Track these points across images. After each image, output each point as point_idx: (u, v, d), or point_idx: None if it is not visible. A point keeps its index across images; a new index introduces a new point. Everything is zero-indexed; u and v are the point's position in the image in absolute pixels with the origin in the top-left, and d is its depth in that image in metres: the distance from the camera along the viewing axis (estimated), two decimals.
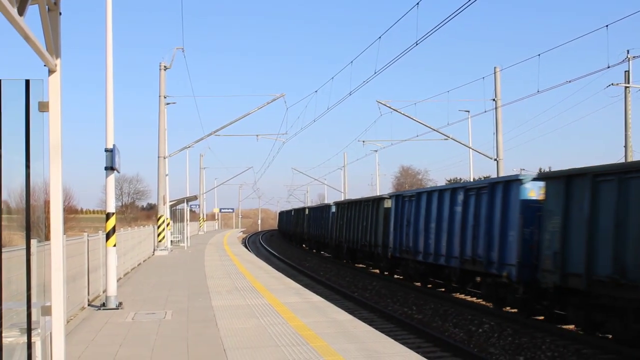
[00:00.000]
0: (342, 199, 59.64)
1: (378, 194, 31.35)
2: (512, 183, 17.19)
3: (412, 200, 24.94)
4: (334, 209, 41.86)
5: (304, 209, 59.69)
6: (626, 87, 32.49)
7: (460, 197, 20.27)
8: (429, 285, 23.46)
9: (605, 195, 13.00)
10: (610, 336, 13.51)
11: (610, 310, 13.18)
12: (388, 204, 28.93)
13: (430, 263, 22.69)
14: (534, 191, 16.43)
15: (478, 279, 19.72)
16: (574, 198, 14.02)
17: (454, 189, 21.24)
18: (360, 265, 34.63)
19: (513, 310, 17.06)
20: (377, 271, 30.63)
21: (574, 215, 13.95)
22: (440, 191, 22.36)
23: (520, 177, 17.04)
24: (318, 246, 48.66)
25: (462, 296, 20.83)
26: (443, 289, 22.38)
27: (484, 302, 19.01)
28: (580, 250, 13.58)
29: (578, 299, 14.05)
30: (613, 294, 12.70)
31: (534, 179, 16.68)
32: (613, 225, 12.65)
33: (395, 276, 27.37)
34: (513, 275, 16.47)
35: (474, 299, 20.11)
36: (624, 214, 12.42)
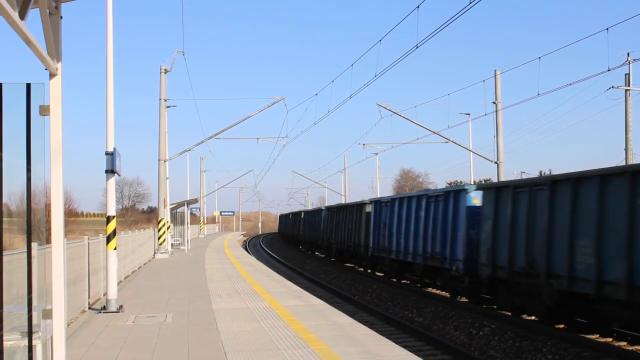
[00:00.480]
0: (343, 202, 59.70)
1: (378, 197, 32.89)
2: (460, 192, 20.51)
3: (388, 205, 28.07)
4: (325, 213, 45.02)
5: (300, 212, 63.23)
6: (626, 90, 32.51)
7: (423, 203, 23.44)
8: (403, 281, 26.56)
9: (521, 204, 16.23)
10: (563, 325, 15.50)
11: (526, 295, 16.15)
12: (369, 208, 32.05)
13: (401, 260, 25.93)
14: (477, 199, 19.45)
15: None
16: (500, 205, 17.28)
17: (419, 196, 24.53)
18: (349, 265, 37.28)
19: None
20: (363, 269, 33.54)
21: (500, 219, 17.21)
22: (409, 198, 25.66)
23: (466, 188, 20.35)
24: (312, 247, 51.82)
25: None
26: (417, 284, 25.35)
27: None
28: (505, 247, 16.84)
29: (504, 287, 17.18)
30: (526, 281, 15.85)
31: (477, 189, 19.83)
32: (525, 227, 15.90)
33: (377, 273, 30.24)
34: (460, 269, 19.73)
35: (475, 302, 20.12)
36: (533, 218, 15.65)
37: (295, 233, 63.85)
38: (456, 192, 20.92)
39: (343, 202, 47.84)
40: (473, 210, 19.50)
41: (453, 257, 20.42)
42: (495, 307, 18.11)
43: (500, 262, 17.08)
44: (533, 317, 16.25)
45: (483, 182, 64.55)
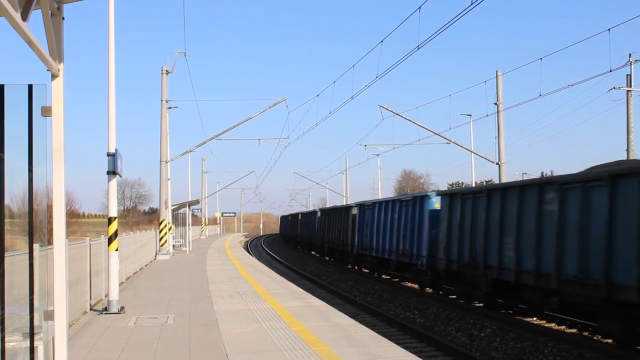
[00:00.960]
0: (344, 203, 59.72)
1: (362, 201, 34.23)
2: (424, 198, 24.13)
3: (370, 208, 31.44)
4: (319, 215, 48.53)
5: (297, 214, 67.37)
6: (628, 91, 32.48)
7: (397, 207, 26.82)
8: (383, 275, 30.09)
9: (467, 209, 19.38)
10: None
11: (471, 284, 19.12)
12: (354, 211, 35.00)
13: (380, 257, 29.25)
14: (438, 204, 22.59)
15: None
16: (452, 209, 20.41)
17: (394, 200, 27.95)
18: (342, 264, 39.96)
19: (511, 314, 17.21)
20: (348, 267, 36.96)
21: (453, 221, 20.31)
22: (386, 202, 29.08)
23: (429, 194, 24.08)
24: (308, 246, 55.02)
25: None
26: (395, 279, 28.73)
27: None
28: (455, 244, 20.03)
29: (457, 278, 20.32)
30: (470, 272, 18.98)
31: (437, 195, 23.33)
32: (470, 227, 18.98)
33: (363, 269, 33.51)
34: (424, 264, 23.11)
35: (476, 304, 20.10)
36: (475, 220, 18.75)
37: (293, 233, 67.23)
38: (421, 198, 24.60)
39: (337, 205, 50.89)
40: (434, 214, 22.85)
41: (419, 254, 23.93)
42: (455, 296, 21.16)
43: (452, 257, 20.30)
44: (507, 311, 18.05)
45: (485, 183, 65.40)
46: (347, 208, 37.65)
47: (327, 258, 44.47)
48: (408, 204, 25.63)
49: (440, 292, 22.62)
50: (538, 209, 15.26)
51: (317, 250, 50.38)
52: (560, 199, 14.37)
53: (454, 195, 20.69)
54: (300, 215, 62.92)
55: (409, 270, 25.76)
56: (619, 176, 12.67)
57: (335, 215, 40.94)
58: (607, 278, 12.66)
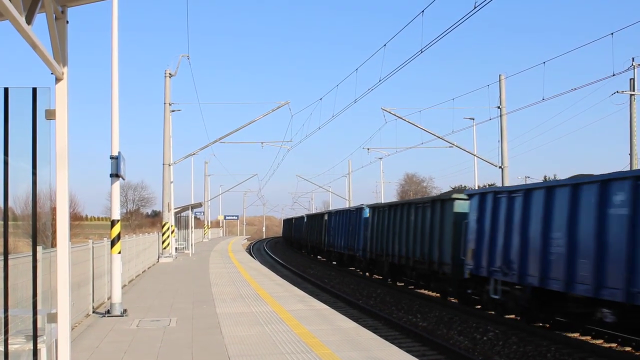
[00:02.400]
0: (347, 206, 59.75)
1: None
2: (360, 209, 35.29)
3: (332, 215, 42.85)
4: (305, 219, 59.31)
5: (292, 219, 78.17)
6: (631, 95, 32.46)
7: (347, 215, 38.29)
8: (351, 268, 37.37)
9: (381, 217, 29.39)
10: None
11: (380, 266, 29.70)
12: (326, 217, 45.59)
13: (337, 252, 40.05)
14: (369, 213, 32.94)
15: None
16: (375, 217, 30.76)
17: (345, 210, 40.17)
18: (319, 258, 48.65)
19: (514, 317, 17.13)
20: (324, 259, 46.96)
21: (376, 225, 30.29)
22: (342, 211, 40.73)
23: (363, 206, 35.11)
24: (299, 246, 64.84)
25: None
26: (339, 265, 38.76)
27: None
28: (368, 242, 31.29)
29: (375, 263, 30.71)
30: (380, 260, 29.44)
31: (368, 207, 34.21)
32: (384, 229, 28.63)
33: (333, 262, 43.00)
34: (361, 256, 33.64)
35: (479, 307, 20.08)
36: (384, 224, 28.59)
37: (289, 235, 78.24)
38: (358, 209, 35.42)
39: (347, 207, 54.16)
40: (367, 221, 32.57)
41: (358, 248, 34.29)
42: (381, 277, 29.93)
43: (370, 250, 31.24)
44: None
45: (487, 186, 65.87)
46: (322, 215, 45.32)
47: (312, 255, 52.27)
48: (352, 213, 35.00)
49: (478, 307, 19.58)
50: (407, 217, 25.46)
51: (304, 249, 58.34)
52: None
53: (375, 208, 28.92)
54: (293, 219, 67.81)
55: (356, 260, 32.83)
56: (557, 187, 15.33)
57: (315, 220, 48.15)
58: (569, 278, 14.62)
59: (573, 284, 14.12)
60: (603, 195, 13.39)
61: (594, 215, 13.51)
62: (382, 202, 43.49)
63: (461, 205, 21.00)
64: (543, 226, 15.41)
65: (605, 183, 13.44)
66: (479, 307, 19.41)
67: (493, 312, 18.19)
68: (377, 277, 30.86)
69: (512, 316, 17.35)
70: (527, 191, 16.40)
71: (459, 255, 20.45)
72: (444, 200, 22.49)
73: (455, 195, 21.99)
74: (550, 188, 15.56)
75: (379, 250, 29.34)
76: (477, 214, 18.75)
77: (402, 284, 27.50)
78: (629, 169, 32.80)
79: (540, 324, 16.29)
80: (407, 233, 25.59)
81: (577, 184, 14.50)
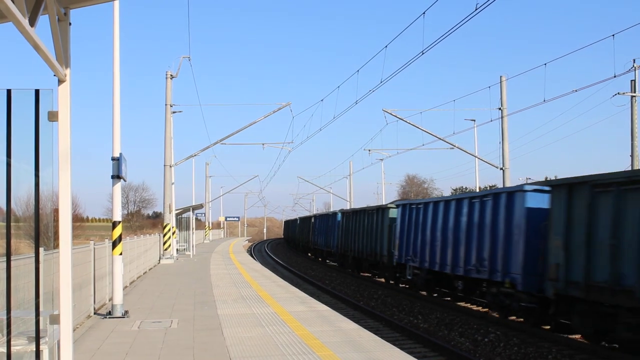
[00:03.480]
0: (348, 207, 59.80)
1: (384, 203, 38.51)
2: (334, 214, 41.95)
3: (317, 218, 51.24)
4: (298, 221, 67.95)
5: (289, 221, 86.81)
6: (632, 97, 32.43)
7: (321, 219, 47.85)
8: (319, 259, 46.33)
9: (349, 221, 36.02)
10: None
11: (345, 258, 36.40)
12: (313, 220, 53.40)
13: (318, 249, 48.09)
14: (340, 217, 40.13)
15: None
16: (346, 220, 37.56)
17: (323, 215, 49.26)
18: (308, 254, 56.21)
19: (515, 319, 17.15)
20: (311, 255, 56.54)
21: (349, 227, 35.99)
22: (322, 215, 49.83)
23: (337, 212, 41.10)
24: (294, 245, 71.56)
25: (464, 302, 20.83)
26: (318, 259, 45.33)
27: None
28: (341, 240, 38.29)
29: (346, 258, 35.93)
30: (345, 253, 36.90)
31: (340, 211, 40.80)
32: (348, 230, 36.20)
33: (319, 259, 50.79)
34: (334, 251, 40.73)
35: (479, 308, 20.08)
36: (350, 227, 35.80)
37: (287, 236, 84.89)
38: (333, 214, 42.85)
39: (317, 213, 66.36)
40: (339, 223, 39.43)
41: (333, 245, 41.23)
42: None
43: (340, 246, 38.42)
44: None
45: (488, 188, 66.35)
46: (309, 217, 55.97)
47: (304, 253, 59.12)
48: (324, 217, 45.58)
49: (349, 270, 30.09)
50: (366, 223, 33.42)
51: (299, 248, 65.27)
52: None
53: (345, 213, 39.20)
54: (290, 222, 70.97)
55: (331, 255, 40.63)
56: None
57: (305, 222, 56.67)
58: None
59: (444, 266, 21.37)
60: (458, 208, 20.67)
61: (453, 220, 20.82)
62: (381, 204, 44.89)
63: (393, 212, 28.04)
64: (431, 228, 22.67)
65: (459, 200, 20.69)
66: (404, 286, 26.66)
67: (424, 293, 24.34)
68: (358, 271, 35.51)
69: (514, 317, 17.35)
70: (425, 204, 23.69)
71: (391, 249, 27.55)
72: (384, 209, 29.93)
73: (389, 205, 29.81)
74: (436, 202, 22.64)
75: (345, 247, 37.13)
76: (400, 219, 25.91)
77: (368, 274, 33.60)
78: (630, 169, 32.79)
79: (545, 327, 16.17)
80: (362, 233, 32.95)
81: (447, 200, 21.72)
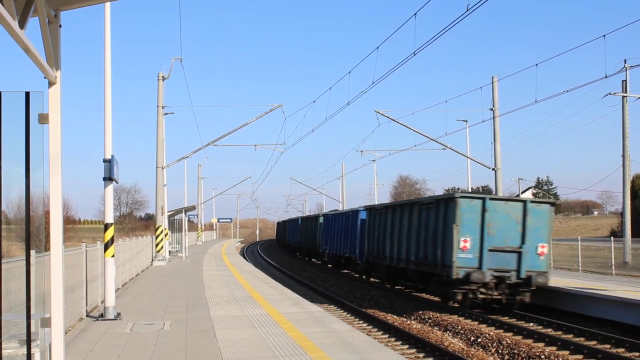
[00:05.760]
0: (341, 209, 59.84)
1: (289, 217, 44.96)
2: (297, 219, 60.25)
3: (292, 221, 62.77)
4: (280, 223, 78.42)
5: (281, 222, 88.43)
6: (623, 97, 32.58)
7: (298, 222, 57.84)
8: (338, 267, 40.52)
9: (289, 226, 65.11)
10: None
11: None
12: (299, 221, 58.16)
13: (292, 245, 57.49)
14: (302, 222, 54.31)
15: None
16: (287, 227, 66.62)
17: (298, 219, 61.18)
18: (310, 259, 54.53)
19: (508, 320, 17.20)
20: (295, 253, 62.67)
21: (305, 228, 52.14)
22: (294, 219, 62.48)
23: (299, 218, 60.36)
24: (285, 246, 73.74)
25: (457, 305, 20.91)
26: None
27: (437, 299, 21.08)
28: (292, 237, 62.24)
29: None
30: (310, 248, 49.38)
31: (301, 217, 60.64)
32: (300, 231, 54.73)
33: (297, 254, 58.75)
34: (298, 246, 57.15)
35: (475, 310, 20.12)
36: (302, 230, 54.23)
37: (281, 237, 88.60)
38: (317, 216, 47.43)
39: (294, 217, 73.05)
40: (321, 225, 43.62)
41: (317, 244, 45.35)
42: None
43: (322, 245, 42.45)
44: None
45: (481, 189, 66.75)
46: (286, 221, 76.08)
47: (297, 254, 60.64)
48: (304, 221, 54.07)
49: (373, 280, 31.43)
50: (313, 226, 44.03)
51: (283, 247, 73.11)
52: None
53: (283, 222, 60.45)
54: (276, 224, 75.10)
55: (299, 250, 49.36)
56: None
57: (285, 224, 70.03)
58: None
59: (398, 260, 24.42)
60: (403, 212, 24.06)
61: (398, 222, 24.44)
62: (374, 204, 45.59)
63: (364, 214, 31.80)
64: (385, 230, 26.13)
65: (409, 205, 23.96)
66: (374, 280, 30.44)
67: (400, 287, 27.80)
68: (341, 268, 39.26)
69: (506, 318, 17.39)
70: (382, 208, 27.52)
71: (363, 247, 31.01)
72: (356, 212, 34.36)
73: (361, 208, 33.77)
74: (389, 207, 26.52)
75: (326, 245, 41.15)
76: (367, 220, 29.48)
77: (347, 271, 37.47)
78: (622, 170, 32.97)
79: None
80: (339, 233, 37.18)
81: (394, 206, 25.73)
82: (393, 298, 24.04)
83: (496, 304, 19.59)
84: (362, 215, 31.95)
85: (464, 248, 18.64)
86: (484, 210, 18.76)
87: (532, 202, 19.63)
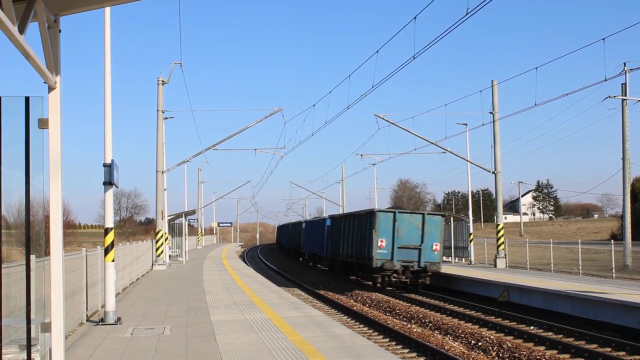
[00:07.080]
0: (341, 212, 59.89)
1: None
2: (296, 223, 64.81)
3: (287, 225, 72.22)
4: (283, 228, 79.50)
5: (282, 226, 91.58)
6: (623, 100, 32.59)
7: (290, 227, 67.27)
8: (315, 264, 48.29)
9: (284, 230, 77.11)
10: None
11: (319, 261, 45.71)
12: (290, 227, 65.92)
13: (312, 253, 50.42)
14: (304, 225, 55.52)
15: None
16: (285, 231, 75.10)
17: (290, 224, 72.30)
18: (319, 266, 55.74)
19: (509, 323, 17.17)
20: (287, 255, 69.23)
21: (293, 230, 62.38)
22: (296, 223, 65.34)
23: (288, 223, 74.76)
24: (280, 247, 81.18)
25: (458, 308, 20.84)
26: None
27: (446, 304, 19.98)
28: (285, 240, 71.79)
29: (317, 258, 47.28)
30: (297, 249, 57.65)
31: (293, 223, 69.26)
32: (292, 235, 63.10)
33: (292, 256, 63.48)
34: (286, 247, 71.03)
35: (473, 312, 20.10)
36: (293, 233, 61.82)
37: (284, 242, 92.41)
38: (300, 222, 58.08)
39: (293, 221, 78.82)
40: (304, 230, 51.58)
41: (301, 246, 53.32)
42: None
43: (304, 247, 51.51)
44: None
45: (481, 192, 66.87)
46: (281, 226, 70.07)
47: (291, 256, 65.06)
48: (293, 225, 58.69)
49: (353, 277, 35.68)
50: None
51: (285, 252, 73.67)
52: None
53: (282, 226, 65.42)
54: (276, 228, 76.54)
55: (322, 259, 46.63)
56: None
57: (282, 229, 75.25)
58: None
59: (347, 256, 31.83)
60: (349, 221, 31.74)
61: (347, 229, 31.69)
62: (334, 214, 48.91)
63: (329, 222, 39.05)
64: (340, 234, 33.51)
65: (352, 216, 31.99)
66: (353, 277, 34.51)
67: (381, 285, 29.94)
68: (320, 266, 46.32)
69: (507, 321, 17.37)
70: (339, 217, 35.69)
71: (327, 247, 38.57)
72: (324, 219, 42.24)
73: (327, 217, 41.83)
74: (342, 217, 34.67)
75: (306, 247, 49.73)
76: (330, 227, 37.36)
77: (320, 266, 45.72)
78: (622, 173, 32.96)
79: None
80: (314, 237, 45.25)
81: (346, 216, 33.81)
82: (394, 302, 24.04)
83: (404, 286, 28.17)
84: (328, 222, 39.68)
85: (381, 246, 26.54)
86: (394, 220, 26.62)
87: (429, 214, 27.57)
